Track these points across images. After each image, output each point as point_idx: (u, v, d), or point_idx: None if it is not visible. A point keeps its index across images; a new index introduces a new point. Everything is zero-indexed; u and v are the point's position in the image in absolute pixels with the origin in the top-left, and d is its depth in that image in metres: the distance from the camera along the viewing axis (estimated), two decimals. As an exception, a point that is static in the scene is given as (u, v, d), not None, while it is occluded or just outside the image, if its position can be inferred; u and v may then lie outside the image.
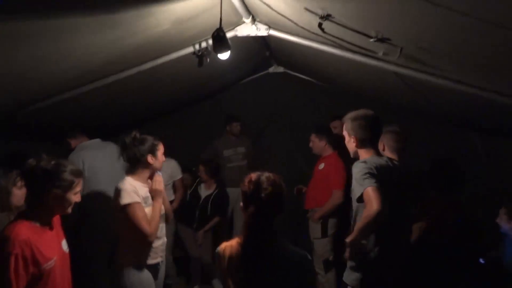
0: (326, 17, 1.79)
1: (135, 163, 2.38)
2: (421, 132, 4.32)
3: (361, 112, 2.23)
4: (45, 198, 1.74)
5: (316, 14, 1.82)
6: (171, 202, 3.74)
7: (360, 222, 2.04)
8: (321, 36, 2.29)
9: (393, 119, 2.75)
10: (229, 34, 2.60)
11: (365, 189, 1.97)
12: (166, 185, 3.98)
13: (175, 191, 4.00)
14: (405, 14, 1.53)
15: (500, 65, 1.73)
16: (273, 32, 2.64)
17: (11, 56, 1.80)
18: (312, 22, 2.02)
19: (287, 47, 3.33)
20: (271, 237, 1.59)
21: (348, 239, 2.09)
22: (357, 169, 2.06)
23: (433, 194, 3.15)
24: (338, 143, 3.83)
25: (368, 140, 2.19)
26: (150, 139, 2.39)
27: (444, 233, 3.81)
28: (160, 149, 2.43)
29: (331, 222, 3.69)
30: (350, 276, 2.21)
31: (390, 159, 2.25)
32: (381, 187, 1.96)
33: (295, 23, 2.31)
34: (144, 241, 2.31)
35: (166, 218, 2.54)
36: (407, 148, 2.72)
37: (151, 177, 2.45)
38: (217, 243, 4.38)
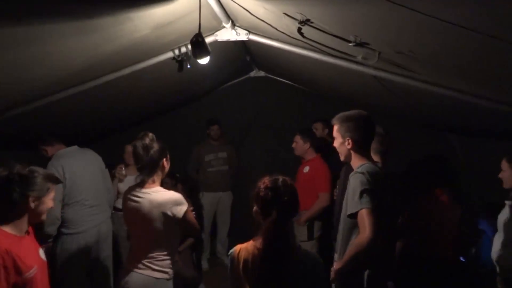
0: (305, 22, 1.80)
1: (154, 169, 2.21)
2: (400, 134, 4.39)
3: (355, 112, 2.14)
4: (23, 205, 1.72)
5: (295, 19, 1.83)
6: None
7: (350, 250, 1.96)
8: (301, 40, 2.30)
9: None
10: (209, 39, 2.60)
11: (359, 211, 1.90)
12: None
13: None
14: (382, 19, 1.55)
15: (477, 69, 1.78)
16: (253, 37, 2.64)
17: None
18: (291, 27, 2.03)
19: (267, 52, 3.34)
20: (290, 241, 1.62)
21: (335, 267, 2.01)
22: (356, 182, 1.97)
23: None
24: (320, 146, 3.88)
25: (364, 142, 2.11)
26: (160, 142, 2.25)
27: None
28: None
29: (317, 225, 3.72)
30: None
31: (379, 164, 2.20)
32: (377, 204, 1.90)
33: (275, 28, 2.32)
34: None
35: None
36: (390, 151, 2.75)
37: None
38: (197, 255, 4.26)
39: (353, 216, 1.96)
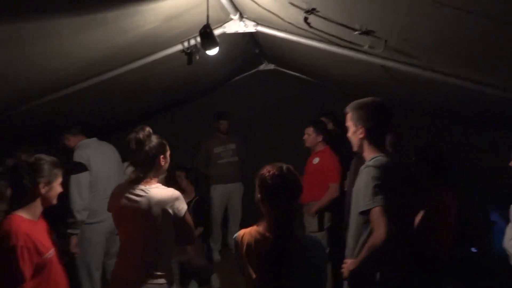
0: (311, 11, 1.82)
1: (149, 167, 2.01)
2: (407, 125, 4.37)
3: (368, 99, 2.01)
4: (34, 191, 1.81)
5: (301, 8, 1.85)
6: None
7: (364, 251, 1.86)
8: (308, 31, 2.31)
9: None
10: (217, 31, 2.63)
11: (373, 208, 1.80)
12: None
13: None
14: (387, 6, 1.56)
15: (486, 56, 1.76)
16: (261, 28, 2.66)
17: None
18: (298, 16, 2.05)
19: (276, 44, 3.36)
20: (294, 226, 1.65)
21: (349, 268, 1.92)
22: (368, 177, 1.87)
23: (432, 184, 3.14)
24: (330, 138, 3.88)
25: (378, 131, 1.99)
26: (158, 137, 2.06)
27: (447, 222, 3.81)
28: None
29: (327, 215, 3.74)
30: None
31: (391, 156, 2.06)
32: (391, 199, 1.81)
33: (282, 18, 2.34)
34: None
35: None
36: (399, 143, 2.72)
37: None
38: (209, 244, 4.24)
39: (366, 213, 1.86)
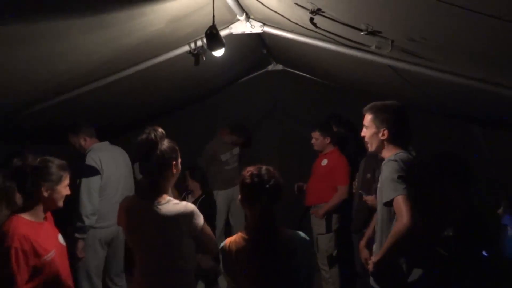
0: (316, 11, 1.80)
1: (162, 173, 1.82)
2: (421, 126, 4.31)
3: (391, 103, 2.12)
4: (37, 194, 1.83)
5: (306, 9, 1.83)
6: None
7: (388, 239, 1.89)
8: (315, 31, 2.29)
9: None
10: (224, 32, 2.63)
11: (395, 197, 1.86)
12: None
13: None
14: (393, 5, 1.54)
15: (493, 55, 1.73)
16: (267, 29, 2.65)
17: (6, 60, 1.84)
18: (304, 17, 2.03)
19: (283, 44, 3.35)
20: (275, 225, 1.67)
21: (374, 259, 1.95)
22: (389, 169, 1.94)
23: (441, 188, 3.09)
24: (337, 139, 3.86)
25: (400, 133, 2.07)
26: (170, 141, 1.89)
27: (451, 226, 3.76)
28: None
29: (335, 217, 3.72)
30: None
31: (413, 153, 2.14)
32: (412, 190, 1.86)
33: (288, 19, 2.33)
34: None
35: None
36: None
37: None
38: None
39: (389, 203, 1.92)
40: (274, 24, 2.63)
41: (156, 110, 4.61)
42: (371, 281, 2.07)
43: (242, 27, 2.65)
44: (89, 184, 3.02)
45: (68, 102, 2.77)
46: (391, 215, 1.96)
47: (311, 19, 1.96)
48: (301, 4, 1.83)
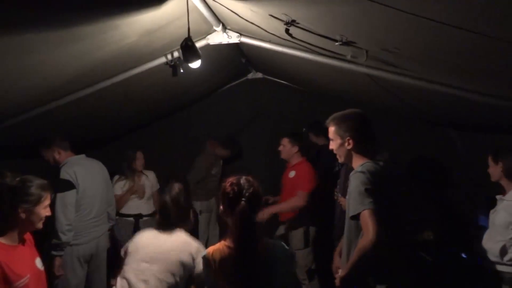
0: (291, 23, 1.81)
1: (183, 220, 2.20)
2: (400, 131, 4.39)
3: (351, 111, 2.10)
4: (14, 215, 1.73)
5: (281, 20, 1.84)
6: (154, 213, 3.72)
7: (354, 255, 1.87)
8: (291, 41, 2.31)
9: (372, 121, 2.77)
10: (201, 43, 2.62)
11: (362, 212, 1.82)
12: (148, 197, 3.97)
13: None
14: (365, 17, 1.55)
15: (467, 66, 1.77)
16: (244, 39, 2.65)
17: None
18: (279, 28, 2.04)
19: (262, 53, 3.35)
20: (257, 233, 1.70)
21: (340, 274, 1.92)
22: (356, 182, 1.90)
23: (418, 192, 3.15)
24: (307, 150, 3.75)
25: (365, 140, 2.05)
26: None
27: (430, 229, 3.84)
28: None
29: (312, 230, 3.64)
30: None
31: (380, 162, 2.09)
32: (380, 202, 1.83)
33: (264, 30, 2.33)
34: None
35: None
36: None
37: None
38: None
39: (356, 217, 1.88)
40: (251, 34, 2.63)
41: (135, 122, 4.54)
42: None
43: (219, 37, 2.64)
44: (64, 199, 2.89)
45: (42, 116, 2.70)
46: (359, 228, 1.92)
47: (287, 30, 1.97)
48: (276, 16, 1.84)
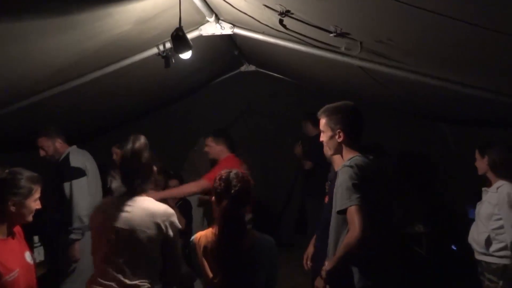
0: (285, 13, 1.79)
1: (147, 178, 1.89)
2: (391, 124, 4.41)
3: (342, 103, 2.05)
4: (3, 208, 1.71)
5: (275, 10, 1.82)
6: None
7: (340, 249, 1.87)
8: (285, 33, 2.29)
9: (363, 114, 2.77)
10: (193, 34, 2.58)
11: (349, 208, 1.81)
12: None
13: None
14: (360, 8, 1.54)
15: (461, 58, 1.77)
16: (238, 31, 2.62)
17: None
18: (273, 19, 2.02)
19: (255, 45, 3.33)
20: (243, 227, 1.77)
21: (326, 267, 1.91)
22: (344, 176, 1.88)
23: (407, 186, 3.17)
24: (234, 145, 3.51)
25: (355, 133, 2.02)
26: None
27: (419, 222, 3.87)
28: None
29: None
30: None
31: (370, 156, 2.07)
32: (367, 199, 1.82)
33: (258, 21, 2.31)
34: None
35: None
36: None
37: None
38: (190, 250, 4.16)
39: (343, 212, 1.87)
40: (245, 25, 2.60)
41: (127, 114, 4.49)
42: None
43: (212, 28, 2.60)
44: (81, 184, 2.97)
45: (30, 107, 2.65)
46: (344, 223, 1.91)
47: (281, 21, 1.95)
48: (270, 6, 1.82)
